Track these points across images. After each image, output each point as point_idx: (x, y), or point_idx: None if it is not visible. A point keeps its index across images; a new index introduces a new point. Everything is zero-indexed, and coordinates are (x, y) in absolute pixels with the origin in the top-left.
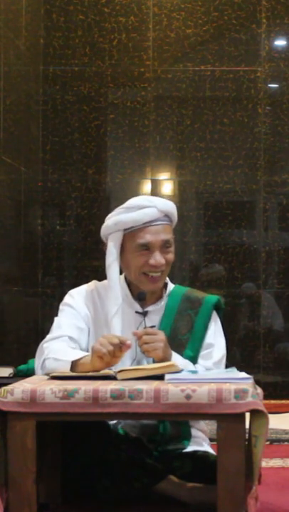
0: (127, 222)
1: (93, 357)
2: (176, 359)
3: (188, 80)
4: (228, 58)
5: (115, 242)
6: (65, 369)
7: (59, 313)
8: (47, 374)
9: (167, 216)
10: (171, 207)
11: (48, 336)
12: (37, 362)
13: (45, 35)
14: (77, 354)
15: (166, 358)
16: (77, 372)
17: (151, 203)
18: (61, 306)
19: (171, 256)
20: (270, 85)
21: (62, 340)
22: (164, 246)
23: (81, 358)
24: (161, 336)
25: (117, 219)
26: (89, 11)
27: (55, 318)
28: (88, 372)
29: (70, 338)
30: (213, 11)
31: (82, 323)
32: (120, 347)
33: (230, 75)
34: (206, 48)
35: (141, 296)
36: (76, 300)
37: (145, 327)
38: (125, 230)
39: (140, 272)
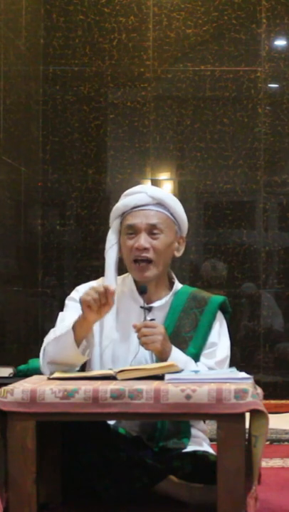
0: (119, 208)
1: (83, 309)
2: (177, 354)
3: (188, 80)
4: (228, 58)
5: (113, 229)
6: (70, 341)
7: (64, 308)
8: (52, 362)
9: (162, 205)
10: (164, 195)
11: (51, 330)
12: (41, 361)
13: (45, 35)
14: (71, 320)
15: (164, 351)
16: (81, 332)
17: (142, 189)
18: (66, 301)
19: (158, 243)
20: (270, 85)
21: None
22: (151, 231)
23: (76, 322)
24: (160, 329)
25: (114, 206)
26: (89, 11)
27: (60, 313)
28: (87, 326)
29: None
30: (213, 11)
31: None
32: (105, 293)
33: (230, 75)
34: (206, 48)
35: (142, 289)
36: (80, 294)
37: (145, 319)
38: (121, 216)
39: (131, 259)
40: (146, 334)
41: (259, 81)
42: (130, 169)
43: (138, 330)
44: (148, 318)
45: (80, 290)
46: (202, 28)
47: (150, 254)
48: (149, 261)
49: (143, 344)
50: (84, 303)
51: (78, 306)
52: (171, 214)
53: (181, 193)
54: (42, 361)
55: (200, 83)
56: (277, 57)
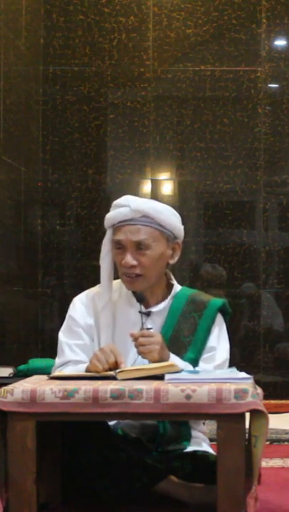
0: (108, 220)
1: (92, 366)
2: (175, 361)
3: (188, 80)
4: (228, 58)
5: (107, 237)
6: None
7: (62, 327)
8: None
9: (147, 217)
10: (149, 207)
11: (56, 362)
12: None
13: (45, 35)
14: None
15: (162, 361)
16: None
17: (126, 203)
18: (66, 319)
19: (145, 259)
20: (270, 85)
21: (66, 366)
22: (137, 247)
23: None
24: (158, 338)
25: (106, 216)
26: (89, 11)
27: (59, 336)
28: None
29: (74, 362)
30: (213, 11)
31: (83, 337)
32: (115, 364)
33: (230, 75)
34: (206, 48)
35: (139, 297)
36: (77, 310)
37: (142, 329)
38: (112, 227)
39: (121, 271)
40: (144, 344)
41: (259, 81)
42: (130, 169)
43: (135, 339)
44: (146, 325)
45: (75, 303)
46: (202, 28)
47: (138, 270)
48: (138, 275)
49: (140, 354)
50: (93, 368)
51: (74, 328)
52: (159, 224)
53: (181, 193)
54: None
55: (200, 83)
56: (277, 57)
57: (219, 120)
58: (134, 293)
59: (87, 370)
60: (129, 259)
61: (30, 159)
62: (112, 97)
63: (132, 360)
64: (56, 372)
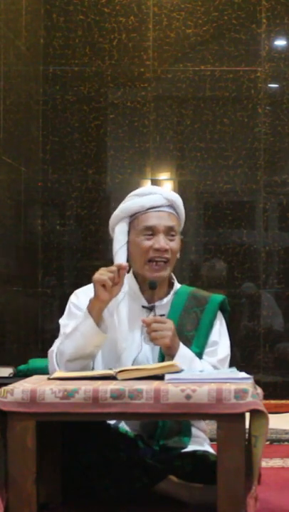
0: (132, 208)
1: (96, 288)
2: (184, 350)
3: (188, 80)
4: (228, 58)
5: (122, 229)
6: (89, 324)
7: (65, 313)
8: (71, 360)
9: (172, 207)
10: (176, 197)
11: (56, 340)
12: (55, 367)
13: (45, 35)
14: (80, 313)
15: (173, 347)
16: (95, 313)
17: (156, 190)
18: (66, 307)
19: (174, 245)
20: (270, 85)
21: (63, 338)
22: (169, 233)
23: (89, 306)
24: (170, 324)
25: (123, 206)
26: (89, 11)
27: (60, 321)
28: (100, 307)
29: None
30: (213, 11)
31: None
32: (118, 272)
33: (230, 75)
34: (206, 48)
35: (152, 284)
36: (80, 299)
37: (154, 315)
38: (131, 216)
39: (146, 259)
40: (156, 329)
41: (259, 81)
42: (130, 169)
43: (148, 325)
44: (157, 314)
45: (79, 295)
46: (202, 28)
47: (169, 255)
48: (166, 261)
49: (152, 339)
50: (98, 282)
51: (77, 311)
52: (178, 215)
53: (181, 193)
54: (56, 366)
55: (200, 83)
56: (277, 57)
57: (219, 120)
58: (139, 285)
59: (90, 372)
60: (164, 242)
61: (30, 159)
62: (112, 97)
63: (135, 353)
64: (56, 373)
